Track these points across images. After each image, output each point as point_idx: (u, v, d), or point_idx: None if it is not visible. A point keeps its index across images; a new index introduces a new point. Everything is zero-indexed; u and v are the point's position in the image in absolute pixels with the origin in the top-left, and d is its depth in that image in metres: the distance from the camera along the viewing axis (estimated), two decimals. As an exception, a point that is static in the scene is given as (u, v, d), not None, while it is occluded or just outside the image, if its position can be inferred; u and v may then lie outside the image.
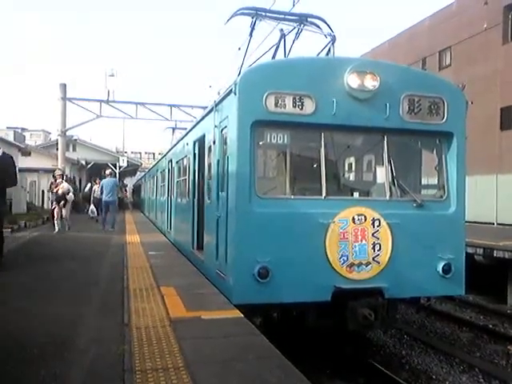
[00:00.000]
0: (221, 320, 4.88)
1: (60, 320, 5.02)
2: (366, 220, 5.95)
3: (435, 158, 6.65)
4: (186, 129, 13.24)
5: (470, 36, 17.72)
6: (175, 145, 12.95)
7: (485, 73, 20.56)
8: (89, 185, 23.89)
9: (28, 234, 14.10)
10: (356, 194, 6.72)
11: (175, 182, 12.14)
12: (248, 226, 5.69)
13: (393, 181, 6.34)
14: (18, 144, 21.90)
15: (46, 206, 22.58)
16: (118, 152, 42.48)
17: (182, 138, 11.35)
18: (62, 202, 15.00)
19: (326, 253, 5.80)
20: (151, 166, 26.37)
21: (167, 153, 14.91)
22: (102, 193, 16.23)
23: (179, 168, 11.51)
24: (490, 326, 9.12)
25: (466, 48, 20.34)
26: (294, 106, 5.78)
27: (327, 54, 7.73)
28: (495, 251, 10.86)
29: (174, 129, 22.00)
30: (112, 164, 32.45)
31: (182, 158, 10.80)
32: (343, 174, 7.13)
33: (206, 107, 8.52)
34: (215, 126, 6.88)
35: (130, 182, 54.84)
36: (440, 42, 23.34)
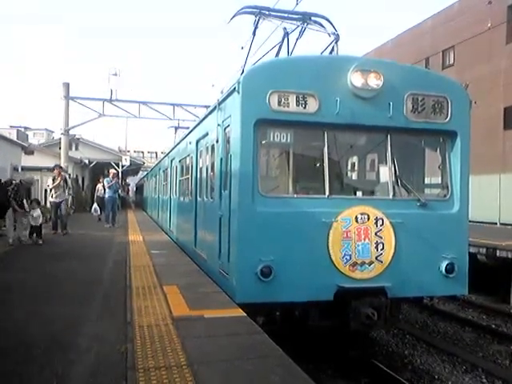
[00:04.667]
0: (224, 319, 4.88)
1: (62, 319, 5.03)
2: (369, 219, 5.93)
3: (439, 157, 6.63)
4: (188, 128, 13.23)
5: (474, 35, 17.64)
6: (178, 144, 12.95)
7: (488, 72, 20.51)
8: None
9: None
10: (359, 193, 6.71)
11: (178, 180, 12.14)
12: (251, 225, 5.68)
13: (396, 180, 6.32)
14: (21, 143, 21.93)
15: (48, 204, 22.59)
16: (120, 151, 42.48)
17: (184, 137, 11.35)
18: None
19: (328, 252, 5.78)
20: (154, 165, 26.38)
21: (170, 152, 14.92)
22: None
23: (182, 167, 11.50)
24: (493, 326, 9.09)
25: (469, 47, 20.28)
26: (298, 105, 5.76)
27: (331, 52, 7.71)
28: (498, 251, 10.83)
29: (176, 128, 22.02)
30: (115, 163, 32.47)
31: (185, 157, 10.79)
32: (346, 173, 7.11)
33: (209, 106, 8.52)
34: (218, 125, 6.88)
35: (132, 181, 54.87)
36: (443, 42, 23.29)
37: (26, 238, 11.57)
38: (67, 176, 14.76)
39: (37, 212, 11.64)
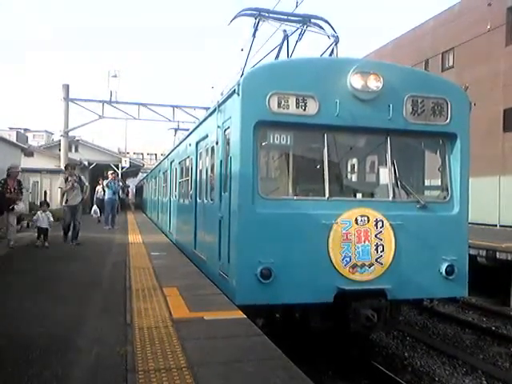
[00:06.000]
0: (223, 321, 4.87)
1: (62, 320, 5.02)
2: (369, 221, 5.94)
3: (438, 159, 6.64)
4: (188, 130, 13.24)
5: (473, 37, 17.68)
6: (177, 146, 12.96)
7: (488, 74, 20.53)
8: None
9: (30, 234, 14.08)
10: (359, 195, 6.71)
11: (177, 182, 12.14)
12: (250, 227, 5.68)
13: (396, 182, 6.33)
14: (20, 145, 21.88)
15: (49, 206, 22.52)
16: (120, 153, 42.50)
17: (184, 139, 11.35)
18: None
19: (328, 254, 5.78)
20: (153, 166, 26.38)
21: (169, 154, 14.92)
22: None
23: (181, 169, 11.51)
24: (493, 328, 9.08)
25: (468, 49, 20.31)
26: (298, 107, 5.77)
27: (330, 54, 7.73)
28: (498, 253, 10.83)
29: (176, 130, 22.03)
30: (114, 165, 32.48)
31: (185, 159, 10.80)
32: (346, 175, 7.11)
33: (209, 108, 8.51)
34: (218, 127, 6.88)
35: (132, 183, 54.86)
36: (443, 44, 23.32)
37: (13, 241, 11.13)
38: (82, 176, 12.52)
39: (47, 214, 11.55)
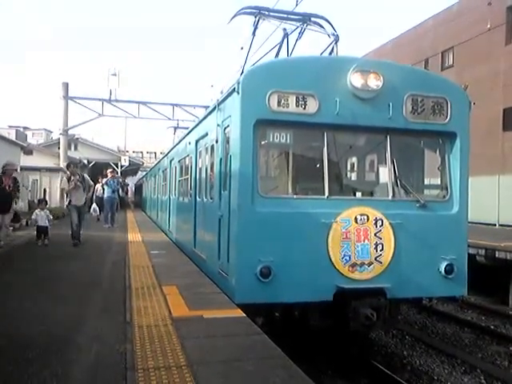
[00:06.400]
0: (223, 319, 4.88)
1: (62, 319, 5.02)
2: (368, 220, 5.94)
3: (438, 158, 6.64)
4: (187, 128, 13.22)
5: (473, 37, 17.66)
6: (177, 144, 12.95)
7: (488, 73, 20.53)
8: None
9: (29, 232, 14.07)
10: (359, 194, 6.71)
11: (177, 181, 12.13)
12: (250, 226, 5.68)
13: (395, 181, 6.33)
14: (20, 143, 21.89)
15: (47, 204, 22.51)
16: (119, 151, 42.49)
17: (183, 137, 11.35)
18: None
19: (328, 252, 5.79)
20: (153, 165, 26.38)
21: (169, 152, 14.92)
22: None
23: (181, 167, 11.50)
24: (492, 327, 9.10)
25: (468, 49, 20.29)
26: (297, 106, 5.77)
27: (330, 53, 7.72)
28: (497, 252, 10.84)
29: (175, 128, 22.02)
30: (114, 163, 32.48)
31: (184, 157, 10.79)
32: (346, 174, 7.11)
33: (208, 106, 8.51)
34: (218, 125, 6.88)
35: (131, 182, 54.79)
36: (443, 43, 23.31)
37: (2, 242, 10.80)
38: (85, 175, 11.68)
39: (45, 212, 11.51)
